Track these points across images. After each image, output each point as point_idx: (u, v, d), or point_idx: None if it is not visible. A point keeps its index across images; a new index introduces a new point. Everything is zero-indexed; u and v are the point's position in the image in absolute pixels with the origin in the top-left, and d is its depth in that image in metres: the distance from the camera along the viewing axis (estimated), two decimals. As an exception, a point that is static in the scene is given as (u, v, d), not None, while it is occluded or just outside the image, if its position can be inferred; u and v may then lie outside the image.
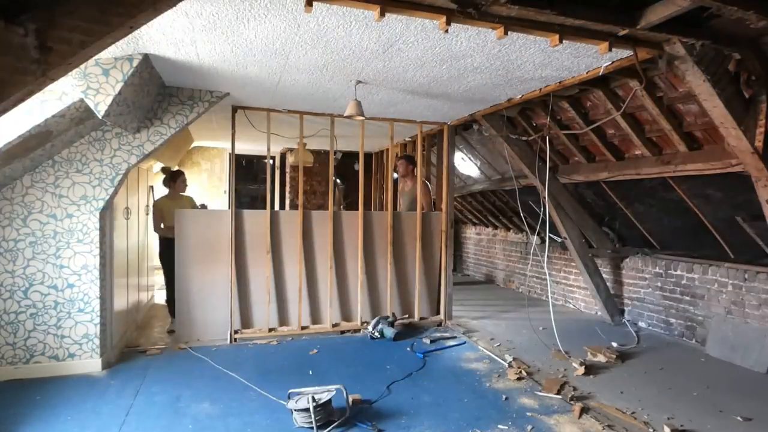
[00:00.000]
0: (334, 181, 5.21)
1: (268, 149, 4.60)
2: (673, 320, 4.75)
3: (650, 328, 4.99)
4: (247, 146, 7.11)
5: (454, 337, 4.61)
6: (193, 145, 7.18)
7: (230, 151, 7.62)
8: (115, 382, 3.39)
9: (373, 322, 4.67)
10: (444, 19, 2.31)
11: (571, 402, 3.13)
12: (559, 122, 4.45)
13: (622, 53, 2.82)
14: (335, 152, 4.89)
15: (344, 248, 4.87)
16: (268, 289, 4.51)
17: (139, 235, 4.92)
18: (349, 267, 4.90)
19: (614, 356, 3.99)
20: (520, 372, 3.61)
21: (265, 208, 4.61)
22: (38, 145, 3.13)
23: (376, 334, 4.57)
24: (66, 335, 3.51)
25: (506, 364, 3.84)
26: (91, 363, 3.55)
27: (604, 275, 5.38)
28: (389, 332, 4.54)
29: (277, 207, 8.18)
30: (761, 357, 3.79)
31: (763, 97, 2.80)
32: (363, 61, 3.10)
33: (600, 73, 3.12)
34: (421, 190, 5.13)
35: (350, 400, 2.97)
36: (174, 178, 4.91)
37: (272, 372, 3.63)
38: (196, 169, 7.50)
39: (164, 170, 5.47)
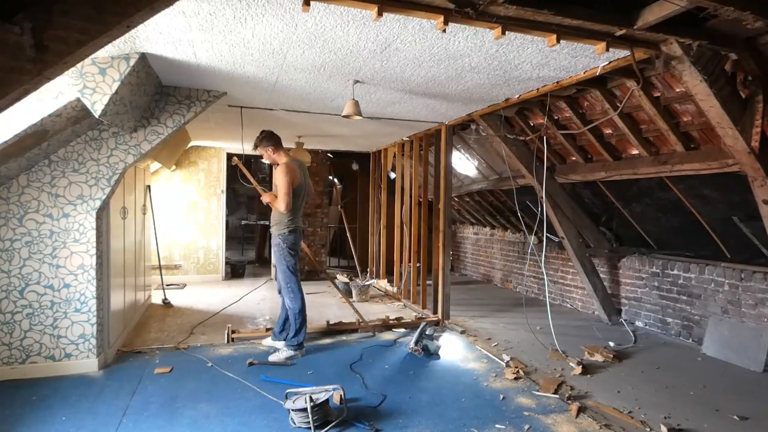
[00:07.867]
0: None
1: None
2: (669, 320, 4.77)
3: (647, 327, 5.00)
4: (246, 145, 7.08)
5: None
6: (190, 144, 7.16)
7: (227, 151, 7.68)
8: (112, 382, 3.38)
9: (415, 336, 4.08)
10: (442, 18, 2.31)
11: (569, 401, 3.13)
12: (556, 122, 4.46)
13: (620, 53, 2.82)
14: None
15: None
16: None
17: (136, 235, 4.90)
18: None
19: (611, 356, 4.01)
20: (518, 372, 3.62)
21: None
22: (34, 144, 3.12)
23: (420, 350, 4.00)
24: (62, 335, 3.50)
25: (504, 364, 3.84)
26: (87, 363, 3.54)
27: (602, 275, 5.39)
28: (434, 347, 4.06)
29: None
30: (757, 356, 3.81)
31: (759, 97, 2.81)
32: (360, 60, 3.09)
33: (597, 73, 3.12)
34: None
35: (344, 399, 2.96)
36: None
37: (269, 372, 3.62)
38: (193, 169, 7.49)
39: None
